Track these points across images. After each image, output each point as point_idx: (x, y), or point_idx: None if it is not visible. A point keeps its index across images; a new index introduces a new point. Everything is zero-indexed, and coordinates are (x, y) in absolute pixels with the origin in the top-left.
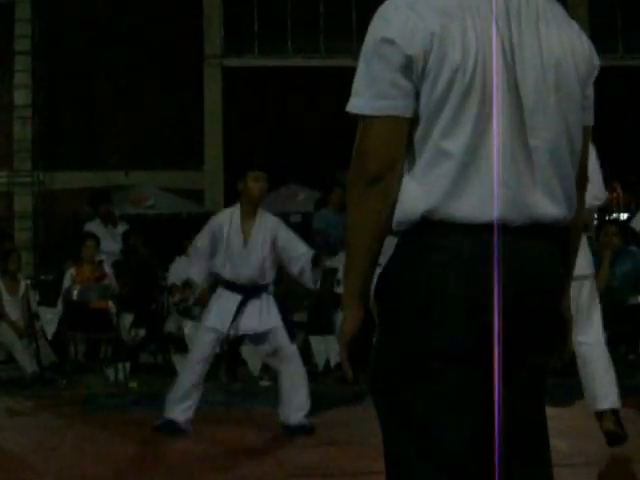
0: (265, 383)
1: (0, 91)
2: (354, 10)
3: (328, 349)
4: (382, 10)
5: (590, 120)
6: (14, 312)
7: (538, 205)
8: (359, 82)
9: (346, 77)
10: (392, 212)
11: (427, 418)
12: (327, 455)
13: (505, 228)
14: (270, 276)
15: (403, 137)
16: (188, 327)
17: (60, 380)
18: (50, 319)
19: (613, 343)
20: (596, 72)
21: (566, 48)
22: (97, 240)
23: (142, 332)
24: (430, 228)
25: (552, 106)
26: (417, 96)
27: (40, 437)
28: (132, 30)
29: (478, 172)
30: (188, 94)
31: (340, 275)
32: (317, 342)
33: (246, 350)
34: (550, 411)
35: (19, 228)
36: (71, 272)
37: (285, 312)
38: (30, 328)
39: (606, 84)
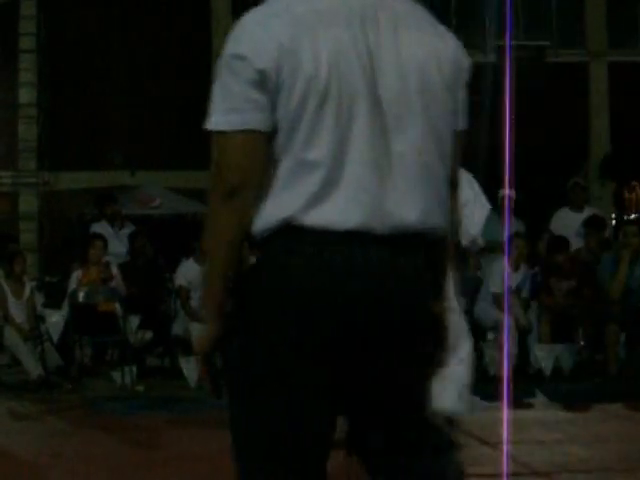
0: None
1: (5, 89)
2: None
3: None
4: (235, 27)
5: (461, 124)
6: (19, 315)
7: (402, 213)
8: (215, 99)
9: None
10: (250, 223)
11: (280, 419)
12: (337, 457)
13: (367, 236)
14: None
15: (260, 150)
16: (196, 330)
17: (66, 384)
18: (55, 322)
19: (632, 344)
20: (465, 74)
21: (429, 52)
22: (105, 241)
23: (149, 335)
24: (292, 235)
25: (417, 111)
26: (274, 109)
27: (46, 441)
28: (139, 28)
29: (341, 180)
30: (195, 93)
31: None
32: None
33: None
34: (565, 416)
35: (24, 229)
36: (77, 274)
37: None
38: (35, 331)
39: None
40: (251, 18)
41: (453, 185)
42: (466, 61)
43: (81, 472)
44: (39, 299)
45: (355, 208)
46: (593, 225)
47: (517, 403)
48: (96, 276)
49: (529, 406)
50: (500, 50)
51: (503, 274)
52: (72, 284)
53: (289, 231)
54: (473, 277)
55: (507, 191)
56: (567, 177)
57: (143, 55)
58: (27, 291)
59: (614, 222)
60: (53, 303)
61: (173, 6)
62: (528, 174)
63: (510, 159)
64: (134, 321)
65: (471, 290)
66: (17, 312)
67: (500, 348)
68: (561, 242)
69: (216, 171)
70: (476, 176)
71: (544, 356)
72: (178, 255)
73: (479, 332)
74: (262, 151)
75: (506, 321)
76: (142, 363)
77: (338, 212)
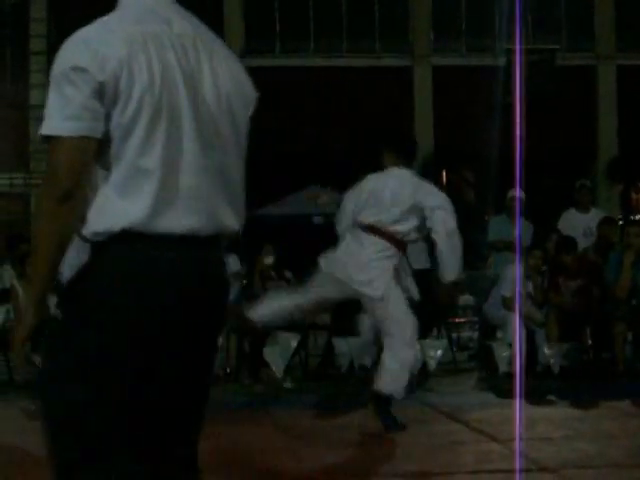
0: (288, 385)
1: (16, 91)
2: (376, 10)
3: (352, 351)
4: (72, 40)
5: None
6: None
7: (225, 217)
8: (51, 106)
9: (368, 77)
10: (77, 225)
11: (95, 420)
12: (348, 456)
13: (197, 239)
14: None
15: (90, 156)
16: None
17: None
18: None
19: (638, 343)
20: (254, 102)
21: (235, 81)
22: None
23: None
24: (130, 241)
25: (228, 131)
26: (109, 118)
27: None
28: None
29: (174, 188)
30: None
31: None
32: (341, 344)
33: (269, 351)
34: (574, 413)
35: None
36: None
37: None
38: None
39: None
40: (88, 33)
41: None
42: (254, 92)
43: None
44: (52, 299)
45: (187, 214)
46: (606, 224)
47: (526, 400)
48: None
49: (537, 403)
50: (510, 53)
51: (515, 279)
52: None
53: (126, 237)
54: (487, 276)
55: (517, 192)
56: (575, 178)
57: None
58: None
59: (621, 222)
60: None
61: (186, 7)
62: (537, 175)
63: (520, 161)
64: None
65: (485, 289)
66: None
67: (510, 346)
68: (569, 242)
69: (51, 174)
70: (486, 177)
71: (552, 354)
72: None
73: (488, 330)
74: (94, 157)
75: (517, 320)
76: None
77: (172, 219)
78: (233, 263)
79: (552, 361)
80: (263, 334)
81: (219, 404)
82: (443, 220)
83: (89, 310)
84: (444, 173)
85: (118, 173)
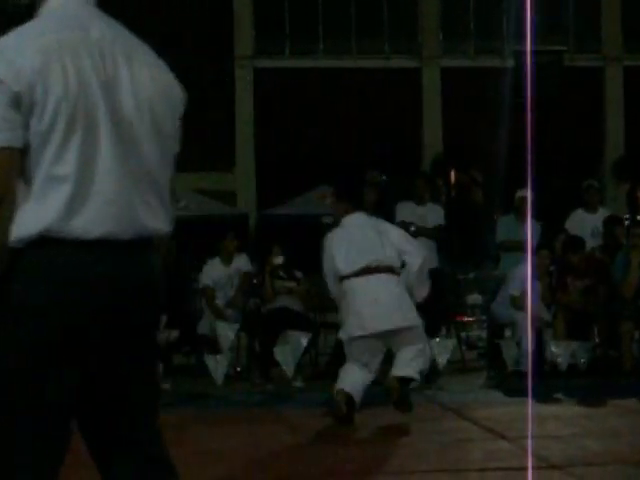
0: (298, 384)
1: None
2: (385, 11)
3: None
4: None
5: (177, 148)
6: None
7: (149, 221)
8: None
9: (377, 78)
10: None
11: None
12: (358, 454)
13: (115, 243)
14: None
15: (15, 165)
16: (221, 329)
17: None
18: None
19: None
20: (181, 106)
21: (157, 85)
22: None
23: (175, 333)
24: (45, 246)
25: (149, 136)
26: (27, 127)
27: (74, 440)
28: (162, 31)
29: (89, 194)
30: (218, 95)
31: None
32: None
33: (280, 350)
34: (581, 411)
35: None
36: None
37: None
38: None
39: None
40: (3, 43)
41: (173, 194)
42: (182, 94)
43: None
44: None
45: (103, 218)
46: (613, 223)
47: (534, 398)
48: None
49: (545, 401)
50: (518, 55)
51: (523, 279)
52: None
53: (43, 242)
54: (495, 275)
55: (528, 192)
56: (583, 178)
57: (166, 57)
58: None
59: (628, 222)
60: None
61: (197, 9)
62: (545, 175)
63: (531, 161)
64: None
65: (493, 288)
66: None
67: (518, 345)
68: (577, 242)
69: None
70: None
71: (560, 352)
72: (203, 256)
73: (497, 329)
74: (16, 166)
75: (528, 319)
76: (169, 361)
77: (87, 223)
78: (244, 263)
79: (559, 359)
80: (274, 333)
81: (230, 403)
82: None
83: (6, 313)
84: (452, 173)
85: (35, 181)
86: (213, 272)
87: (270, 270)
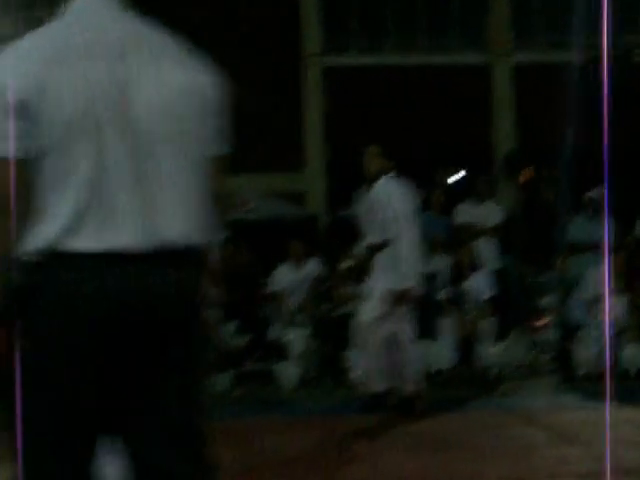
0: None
1: None
2: (453, 7)
3: (428, 355)
4: None
5: (217, 150)
6: None
7: (163, 231)
8: None
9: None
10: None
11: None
12: (425, 461)
13: (130, 255)
14: None
15: (20, 176)
16: (291, 334)
17: None
18: None
19: None
20: (214, 104)
21: (187, 83)
22: None
23: (246, 339)
24: (54, 260)
25: (175, 136)
26: (32, 138)
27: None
28: (228, 30)
29: (99, 205)
30: (287, 94)
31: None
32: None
33: (351, 355)
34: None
35: None
36: None
37: None
38: None
39: None
40: (7, 54)
41: (219, 200)
42: (215, 92)
43: None
44: None
45: (113, 230)
46: None
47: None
48: None
49: (619, 405)
50: (591, 50)
51: (596, 282)
52: None
53: (51, 256)
54: (567, 278)
55: (606, 192)
56: None
57: (233, 56)
58: None
59: None
60: None
61: (263, 7)
62: (619, 174)
63: (608, 160)
64: (231, 326)
65: (565, 290)
66: None
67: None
68: None
69: None
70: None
71: (633, 356)
72: (273, 259)
73: (568, 332)
74: (17, 177)
75: (606, 322)
76: (239, 368)
77: (96, 236)
78: (314, 268)
79: (633, 363)
80: (345, 338)
81: (301, 410)
82: None
83: (24, 327)
84: (524, 172)
85: (45, 192)
86: (283, 277)
87: (341, 274)
